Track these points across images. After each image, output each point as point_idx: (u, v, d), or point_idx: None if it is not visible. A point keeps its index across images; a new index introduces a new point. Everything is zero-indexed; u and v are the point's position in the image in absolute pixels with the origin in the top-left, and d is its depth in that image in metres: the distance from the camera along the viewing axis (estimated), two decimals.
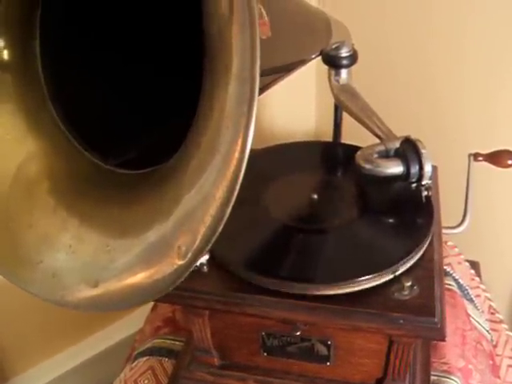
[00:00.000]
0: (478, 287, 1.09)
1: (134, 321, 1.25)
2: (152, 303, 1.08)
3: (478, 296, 1.07)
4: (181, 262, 0.43)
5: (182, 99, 0.56)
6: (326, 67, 0.92)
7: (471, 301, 1.03)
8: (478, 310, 1.04)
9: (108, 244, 0.50)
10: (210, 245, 0.42)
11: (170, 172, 0.48)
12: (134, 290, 0.47)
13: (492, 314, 1.09)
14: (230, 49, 0.38)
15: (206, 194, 0.41)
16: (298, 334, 0.73)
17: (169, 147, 0.52)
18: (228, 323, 0.78)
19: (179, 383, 0.84)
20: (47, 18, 0.56)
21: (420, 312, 0.67)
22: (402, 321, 0.67)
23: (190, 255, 0.42)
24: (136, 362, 0.91)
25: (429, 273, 0.72)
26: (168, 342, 0.93)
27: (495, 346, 1.05)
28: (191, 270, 0.44)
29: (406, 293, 0.69)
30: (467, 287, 1.04)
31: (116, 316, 1.51)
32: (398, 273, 0.71)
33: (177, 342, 0.93)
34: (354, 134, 0.97)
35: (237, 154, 0.38)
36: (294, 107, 1.35)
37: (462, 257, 1.10)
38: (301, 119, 1.36)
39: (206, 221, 0.41)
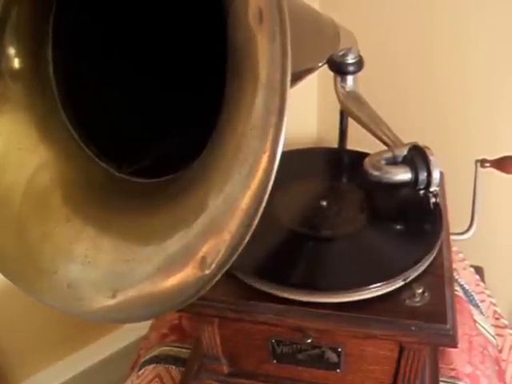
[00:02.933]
0: (482, 292, 1.09)
1: (137, 328, 1.24)
2: None
3: (483, 301, 1.07)
4: (204, 273, 0.43)
5: (199, 107, 0.55)
6: (328, 74, 0.92)
7: (477, 306, 1.03)
8: (484, 315, 1.04)
9: (126, 254, 0.50)
10: (235, 256, 0.41)
11: (191, 180, 0.47)
12: (154, 301, 0.47)
13: (497, 319, 1.09)
14: (259, 57, 0.37)
15: (232, 203, 0.41)
16: (309, 341, 0.73)
17: (185, 156, 0.52)
18: (237, 331, 0.78)
19: None
20: (60, 23, 0.55)
21: (432, 319, 0.67)
22: (413, 328, 0.67)
23: (214, 266, 0.42)
24: (143, 369, 0.91)
25: (439, 279, 0.72)
26: (175, 349, 0.92)
27: (500, 352, 1.05)
28: (214, 282, 0.43)
29: (417, 300, 0.69)
30: (473, 293, 1.05)
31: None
32: (408, 280, 0.71)
33: (184, 350, 0.92)
34: (358, 140, 0.97)
35: (265, 165, 0.38)
36: (296, 114, 1.34)
37: (467, 262, 1.11)
38: (302, 126, 1.36)
39: (232, 230, 0.40)
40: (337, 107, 0.98)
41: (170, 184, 0.52)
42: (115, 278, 0.50)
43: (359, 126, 0.90)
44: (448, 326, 0.66)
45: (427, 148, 0.77)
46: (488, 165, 0.88)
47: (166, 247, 0.47)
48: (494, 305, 1.10)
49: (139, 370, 0.91)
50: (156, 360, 0.91)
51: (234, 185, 0.41)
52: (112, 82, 0.63)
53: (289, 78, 0.36)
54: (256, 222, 0.40)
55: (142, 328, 1.06)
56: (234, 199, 0.41)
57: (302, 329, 0.72)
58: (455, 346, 0.67)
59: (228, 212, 0.41)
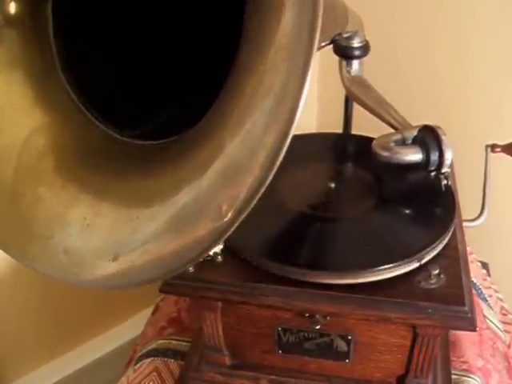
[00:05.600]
0: (489, 287, 1.06)
1: (135, 326, 1.20)
2: (153, 306, 1.04)
3: (490, 296, 1.04)
4: (219, 223, 0.39)
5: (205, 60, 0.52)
6: (329, 60, 0.90)
7: (485, 300, 1.00)
8: (492, 309, 1.01)
9: (129, 215, 0.46)
10: (255, 201, 0.38)
11: (199, 134, 0.44)
12: (161, 261, 0.43)
13: (504, 315, 1.06)
14: None
15: (254, 140, 0.37)
16: (318, 327, 0.69)
17: (192, 117, 0.48)
18: (241, 318, 0.74)
19: None
20: None
21: (449, 301, 0.64)
22: (430, 310, 0.64)
23: (231, 213, 0.38)
24: (140, 363, 0.86)
25: (455, 261, 0.69)
26: (174, 342, 0.88)
27: (509, 347, 1.01)
28: (230, 232, 0.40)
29: (432, 281, 0.66)
30: (481, 286, 1.02)
31: (114, 322, 1.46)
32: (423, 261, 0.68)
33: (183, 343, 0.88)
34: (361, 126, 0.95)
35: (294, 90, 0.34)
36: None
37: (474, 256, 1.08)
38: (302, 112, 1.33)
39: (254, 171, 0.37)
40: (337, 93, 0.95)
41: (174, 143, 0.49)
42: (117, 240, 0.46)
43: (361, 112, 0.88)
44: (466, 308, 0.63)
45: (439, 128, 0.74)
46: (499, 150, 0.85)
47: (173, 202, 0.43)
48: (501, 300, 1.07)
49: (136, 364, 0.87)
50: (154, 353, 0.87)
51: (256, 120, 0.37)
52: (114, 43, 0.60)
53: None
54: (280, 159, 0.36)
55: (139, 326, 1.02)
56: (255, 136, 0.37)
57: (312, 313, 0.68)
58: (474, 330, 0.63)
59: (248, 152, 0.37)
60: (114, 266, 0.45)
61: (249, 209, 0.38)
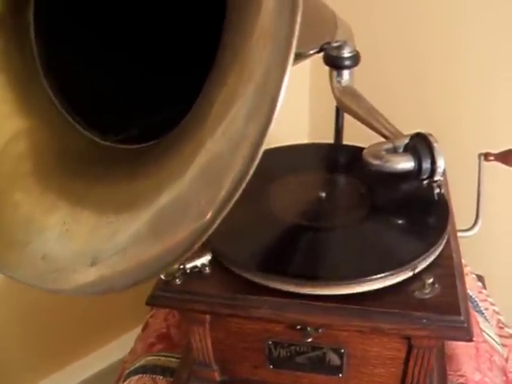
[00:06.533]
0: (486, 300, 1.04)
1: (124, 345, 1.17)
2: (142, 323, 1.01)
3: (486, 309, 1.02)
4: (199, 223, 0.37)
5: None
6: (320, 71, 0.89)
7: (481, 313, 0.98)
8: (489, 322, 0.99)
9: (108, 218, 0.44)
10: (237, 195, 0.36)
11: (181, 133, 0.42)
12: (141, 264, 0.41)
13: (501, 328, 1.04)
14: None
15: (235, 132, 0.35)
16: (309, 340, 0.67)
17: (176, 121, 0.47)
18: (231, 332, 0.72)
19: None
20: None
21: (444, 311, 0.62)
22: (425, 320, 0.62)
23: (211, 212, 0.36)
24: (128, 380, 0.84)
25: (449, 270, 0.68)
26: (163, 358, 0.86)
27: (506, 361, 0.99)
28: (210, 231, 0.38)
29: (427, 291, 0.64)
30: (476, 299, 1.00)
31: (102, 341, 1.43)
32: (417, 270, 0.66)
33: (172, 359, 0.85)
34: (353, 136, 0.93)
35: (276, 79, 0.33)
36: (287, 111, 1.31)
37: (469, 268, 1.06)
38: (294, 123, 1.32)
39: (235, 164, 0.35)
40: (328, 104, 0.94)
41: (158, 144, 0.47)
42: (96, 244, 0.44)
43: (353, 122, 0.87)
44: (462, 318, 0.61)
45: (430, 135, 0.73)
46: (492, 158, 0.84)
47: (154, 204, 0.42)
48: (498, 313, 1.05)
49: (124, 381, 0.84)
50: (142, 370, 0.84)
51: (238, 111, 0.36)
52: (96, 48, 0.59)
53: None
54: (261, 151, 0.35)
55: (129, 345, 0.99)
56: (237, 127, 0.36)
57: (303, 325, 0.66)
58: (470, 340, 0.61)
59: (230, 144, 0.36)
60: (93, 271, 0.44)
61: (230, 206, 0.36)
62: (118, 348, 1.36)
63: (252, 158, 0.34)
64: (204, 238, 0.38)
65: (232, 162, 0.35)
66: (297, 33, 0.32)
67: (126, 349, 0.99)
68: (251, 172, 0.35)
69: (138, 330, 1.01)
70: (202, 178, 0.38)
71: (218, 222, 0.37)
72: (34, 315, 1.25)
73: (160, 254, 0.40)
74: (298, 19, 0.32)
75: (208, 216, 0.37)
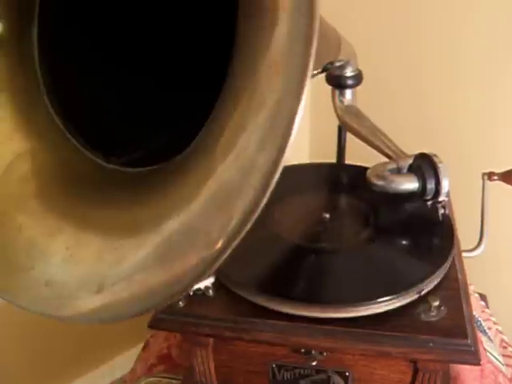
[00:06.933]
0: (489, 319, 1.03)
1: (124, 364, 1.16)
2: (143, 342, 1.00)
3: (489, 329, 1.01)
4: (209, 251, 0.36)
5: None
6: (321, 89, 0.89)
7: (485, 333, 0.97)
8: (492, 342, 0.98)
9: (114, 244, 0.44)
10: (248, 226, 0.35)
11: (190, 157, 0.42)
12: (148, 293, 0.40)
13: (504, 347, 1.03)
14: None
15: (247, 160, 0.35)
16: (314, 364, 0.66)
17: (181, 143, 0.46)
18: (234, 355, 0.70)
19: None
20: (48, 3, 0.50)
21: (451, 334, 0.61)
22: (431, 344, 0.61)
23: (222, 241, 0.36)
24: None
25: (455, 292, 0.67)
26: (164, 380, 0.84)
27: (510, 382, 0.98)
28: (221, 261, 0.37)
29: (433, 314, 0.63)
30: (479, 319, 0.99)
31: (102, 360, 1.41)
32: (423, 293, 0.65)
33: (173, 381, 0.84)
34: (355, 154, 0.93)
35: (290, 107, 0.32)
36: None
37: (472, 287, 1.05)
38: (294, 142, 1.31)
39: (247, 194, 0.34)
40: (330, 123, 0.94)
41: (163, 168, 0.46)
42: (101, 270, 0.43)
43: (354, 141, 0.86)
44: (469, 342, 0.61)
45: (435, 155, 0.73)
46: (496, 178, 0.84)
47: (162, 230, 0.41)
48: (501, 333, 1.04)
49: None
50: None
51: (249, 138, 0.35)
52: (101, 70, 0.58)
53: None
54: (276, 179, 0.34)
55: (129, 363, 0.98)
56: (248, 155, 0.35)
57: (308, 348, 0.65)
58: (478, 364, 0.61)
59: (240, 173, 0.35)
60: (98, 298, 0.43)
61: (241, 236, 0.36)
62: (119, 366, 1.34)
63: (264, 189, 0.34)
64: (215, 268, 0.37)
65: (243, 191, 0.35)
66: (312, 63, 0.32)
67: (126, 367, 0.98)
68: (263, 202, 0.34)
69: (138, 347, 1.00)
70: (211, 205, 0.37)
71: (228, 251, 0.36)
72: (32, 332, 1.23)
73: (168, 281, 0.39)
74: (314, 49, 0.31)
75: (218, 245, 0.36)
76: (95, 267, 0.44)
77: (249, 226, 0.35)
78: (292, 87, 0.33)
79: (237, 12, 0.38)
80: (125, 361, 1.24)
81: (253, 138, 0.35)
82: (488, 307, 1.09)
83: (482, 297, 1.11)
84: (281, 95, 0.33)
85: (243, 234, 0.35)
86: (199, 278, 0.38)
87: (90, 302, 0.43)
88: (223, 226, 0.36)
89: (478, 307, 1.03)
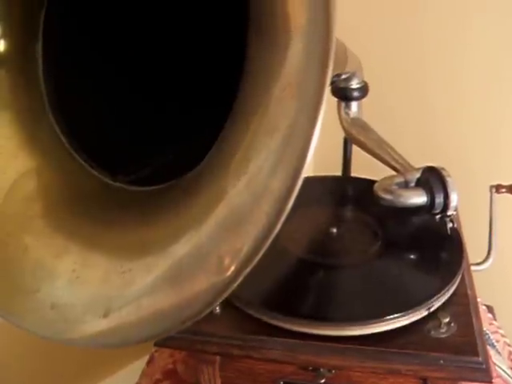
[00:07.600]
0: (497, 332, 1.02)
1: (128, 377, 1.15)
2: (147, 355, 0.99)
3: (497, 341, 1.00)
4: (221, 277, 0.35)
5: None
6: (328, 99, 0.88)
7: (493, 346, 0.96)
8: (501, 355, 0.97)
9: (122, 266, 0.43)
10: (260, 253, 0.34)
11: (200, 177, 0.41)
12: (156, 318, 0.39)
13: None
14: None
15: (259, 185, 0.34)
16: (323, 381, 0.66)
17: (190, 160, 0.46)
18: (241, 372, 0.70)
19: None
20: (52, 20, 0.50)
21: (462, 351, 0.60)
22: (442, 361, 0.60)
23: (233, 267, 0.35)
24: None
25: (465, 308, 0.66)
26: None
27: None
28: (233, 287, 0.36)
29: (443, 330, 0.63)
30: (487, 331, 0.98)
31: (105, 373, 1.40)
32: (432, 309, 0.64)
33: None
34: (360, 167, 0.92)
35: (305, 132, 0.32)
36: None
37: (479, 299, 1.04)
38: None
39: (259, 220, 0.34)
40: (335, 135, 0.93)
41: (171, 189, 0.46)
42: (108, 293, 0.43)
43: (360, 154, 0.86)
44: (480, 359, 0.60)
45: (443, 169, 0.72)
46: (504, 190, 0.83)
47: (170, 253, 0.40)
48: (509, 345, 1.03)
49: None
50: None
51: (262, 162, 0.34)
52: (106, 87, 0.58)
53: (335, 18, 0.30)
54: (290, 205, 0.33)
55: (134, 377, 0.97)
56: (260, 180, 0.34)
57: (316, 366, 0.64)
58: (489, 382, 0.60)
59: (252, 197, 0.34)
60: (105, 322, 0.42)
61: (253, 262, 0.35)
62: (122, 380, 1.33)
63: (277, 215, 0.33)
64: (226, 294, 0.36)
65: (255, 218, 0.34)
66: (327, 87, 0.31)
67: (129, 381, 0.97)
68: (277, 228, 0.33)
69: (142, 360, 0.99)
70: (223, 229, 0.37)
71: (241, 277, 0.35)
72: (33, 347, 1.22)
73: (178, 305, 0.39)
74: (330, 71, 0.31)
75: (230, 271, 0.35)
76: (102, 290, 0.43)
77: (261, 253, 0.34)
78: (307, 111, 0.32)
79: (248, 28, 0.37)
80: (128, 375, 1.23)
81: (265, 163, 0.34)
82: (495, 319, 1.08)
83: (489, 308, 1.10)
84: (294, 120, 0.33)
85: (257, 259, 0.35)
86: (211, 305, 0.37)
87: (97, 327, 0.42)
88: (235, 252, 0.35)
89: (485, 320, 1.02)
